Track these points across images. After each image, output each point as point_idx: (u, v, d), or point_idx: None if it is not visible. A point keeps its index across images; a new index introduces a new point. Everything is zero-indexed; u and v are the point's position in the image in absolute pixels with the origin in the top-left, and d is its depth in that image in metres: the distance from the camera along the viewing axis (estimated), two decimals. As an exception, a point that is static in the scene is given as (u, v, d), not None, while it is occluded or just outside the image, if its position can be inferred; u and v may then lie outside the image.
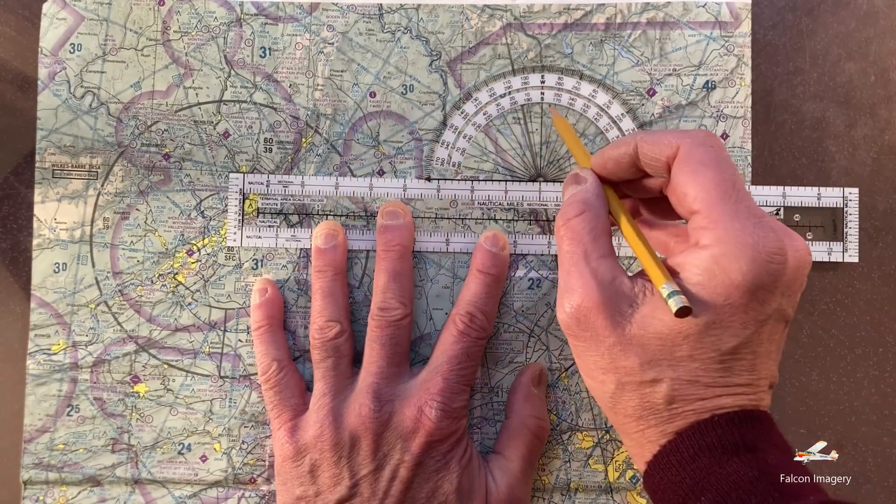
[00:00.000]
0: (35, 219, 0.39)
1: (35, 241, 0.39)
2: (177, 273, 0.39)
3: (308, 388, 0.38)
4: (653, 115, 0.39)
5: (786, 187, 0.39)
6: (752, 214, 0.28)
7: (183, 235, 0.39)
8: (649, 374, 0.28)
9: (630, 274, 0.30)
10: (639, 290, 0.29)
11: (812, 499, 0.25)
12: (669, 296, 0.28)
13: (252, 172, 0.39)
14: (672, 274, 0.29)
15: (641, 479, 0.29)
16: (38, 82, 0.39)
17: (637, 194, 0.34)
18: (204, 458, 0.39)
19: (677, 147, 0.29)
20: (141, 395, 0.39)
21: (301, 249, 0.39)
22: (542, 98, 0.39)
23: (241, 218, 0.39)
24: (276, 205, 0.39)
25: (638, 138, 0.31)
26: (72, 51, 0.39)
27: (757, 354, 0.28)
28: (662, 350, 0.28)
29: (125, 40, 0.40)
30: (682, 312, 0.27)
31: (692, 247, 0.29)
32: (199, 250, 0.39)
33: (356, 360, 0.38)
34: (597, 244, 0.30)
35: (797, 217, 0.39)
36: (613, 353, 0.29)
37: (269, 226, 0.39)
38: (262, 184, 0.39)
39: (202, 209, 0.39)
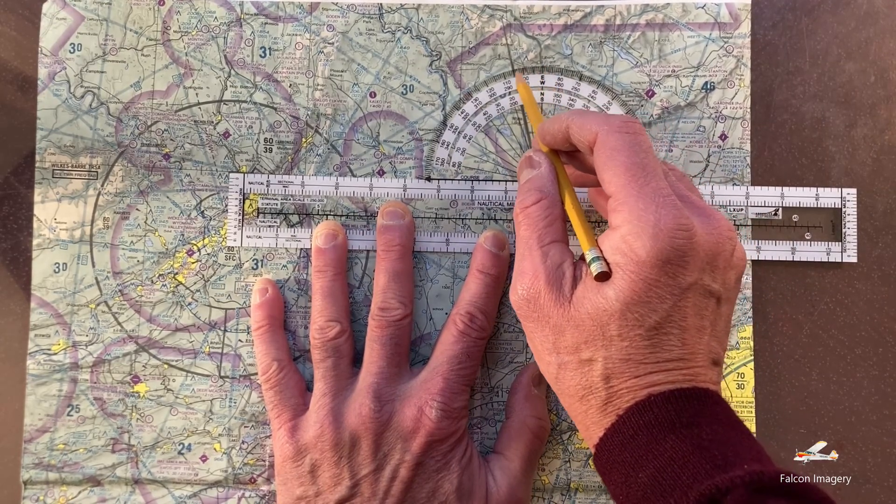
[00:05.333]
0: (35, 219, 0.39)
1: (35, 241, 0.39)
2: (177, 273, 0.39)
3: (308, 388, 0.38)
4: (652, 116, 0.39)
5: (784, 188, 0.39)
6: (658, 194, 0.29)
7: (183, 235, 0.39)
8: (585, 354, 0.29)
9: (577, 259, 0.32)
10: (579, 272, 0.31)
11: (745, 468, 0.26)
12: (592, 261, 0.30)
13: (252, 172, 0.39)
14: None
15: (592, 462, 0.30)
16: (38, 82, 0.39)
17: (578, 167, 0.35)
18: (204, 458, 0.39)
19: (596, 134, 0.31)
20: (141, 395, 0.39)
21: (301, 249, 0.39)
22: (542, 99, 0.39)
23: (241, 218, 0.39)
24: (277, 205, 0.39)
25: (569, 120, 0.32)
26: (72, 51, 0.39)
27: (684, 329, 0.29)
28: (595, 330, 0.29)
29: (125, 40, 0.40)
30: (601, 277, 0.29)
31: (609, 229, 0.30)
32: (199, 250, 0.39)
33: (356, 360, 0.38)
34: (550, 230, 0.32)
35: (796, 217, 0.39)
36: (556, 333, 0.30)
37: (269, 226, 0.39)
38: (262, 184, 0.39)
39: (202, 209, 0.39)
